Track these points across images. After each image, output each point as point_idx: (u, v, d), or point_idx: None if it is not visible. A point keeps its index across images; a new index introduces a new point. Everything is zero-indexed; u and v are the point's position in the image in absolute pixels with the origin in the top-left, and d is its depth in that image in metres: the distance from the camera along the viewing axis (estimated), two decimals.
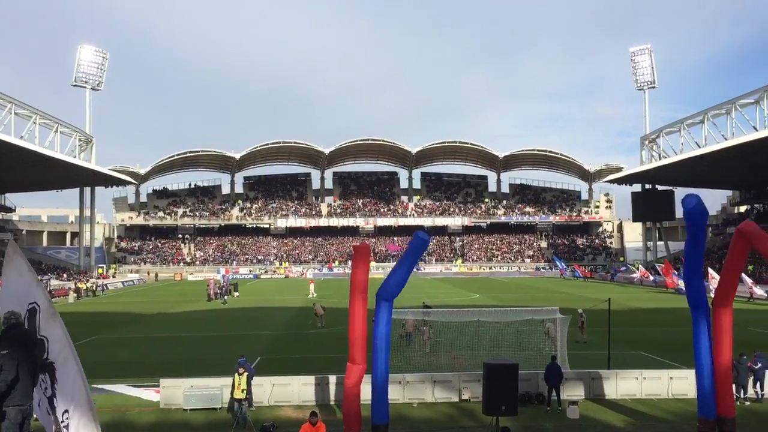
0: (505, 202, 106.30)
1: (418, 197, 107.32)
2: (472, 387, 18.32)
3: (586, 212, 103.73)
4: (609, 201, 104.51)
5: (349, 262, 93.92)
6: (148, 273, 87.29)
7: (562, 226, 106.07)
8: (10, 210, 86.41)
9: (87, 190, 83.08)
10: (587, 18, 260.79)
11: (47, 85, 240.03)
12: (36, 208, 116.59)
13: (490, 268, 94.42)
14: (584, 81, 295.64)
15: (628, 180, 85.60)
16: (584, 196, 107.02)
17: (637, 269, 74.88)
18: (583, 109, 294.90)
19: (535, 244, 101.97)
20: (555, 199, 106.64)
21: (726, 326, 14.71)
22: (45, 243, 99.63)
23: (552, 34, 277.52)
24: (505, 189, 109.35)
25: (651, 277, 68.35)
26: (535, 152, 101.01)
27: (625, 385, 19.02)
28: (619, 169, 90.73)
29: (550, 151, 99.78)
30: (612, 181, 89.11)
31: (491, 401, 14.53)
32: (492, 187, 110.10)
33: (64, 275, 73.71)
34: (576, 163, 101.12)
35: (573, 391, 18.69)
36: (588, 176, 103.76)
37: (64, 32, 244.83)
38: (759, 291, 48.68)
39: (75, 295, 55.88)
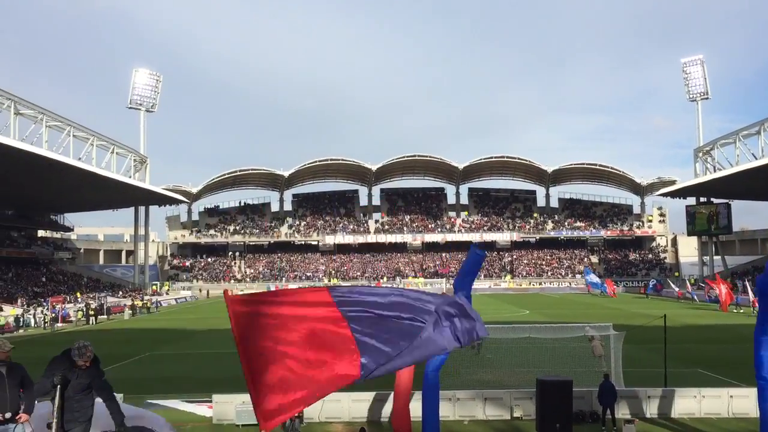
0: (554, 216, 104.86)
1: (466, 213, 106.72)
2: (524, 404, 18.03)
3: (639, 226, 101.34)
4: (662, 215, 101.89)
5: (398, 279, 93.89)
6: (200, 290, 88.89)
7: (614, 241, 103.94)
8: (69, 230, 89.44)
9: (141, 209, 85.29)
10: (636, 29, 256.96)
11: (103, 108, 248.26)
12: (92, 227, 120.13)
13: (540, 283, 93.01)
14: (635, 92, 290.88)
15: (682, 193, 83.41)
16: (636, 209, 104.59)
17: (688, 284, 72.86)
18: (634, 121, 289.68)
19: (585, 259, 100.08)
20: (606, 214, 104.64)
21: None
22: (101, 261, 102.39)
23: (600, 46, 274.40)
24: (554, 203, 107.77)
25: (690, 295, 66.14)
26: (585, 166, 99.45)
27: (684, 403, 18.44)
28: (672, 182, 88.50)
29: (599, 165, 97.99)
30: (665, 195, 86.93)
31: (545, 419, 14.31)
32: (541, 201, 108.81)
33: (120, 292, 75.68)
34: (627, 177, 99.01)
35: (628, 410, 18.22)
36: (640, 190, 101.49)
37: (119, 56, 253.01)
38: None
39: (130, 311, 57.32)
